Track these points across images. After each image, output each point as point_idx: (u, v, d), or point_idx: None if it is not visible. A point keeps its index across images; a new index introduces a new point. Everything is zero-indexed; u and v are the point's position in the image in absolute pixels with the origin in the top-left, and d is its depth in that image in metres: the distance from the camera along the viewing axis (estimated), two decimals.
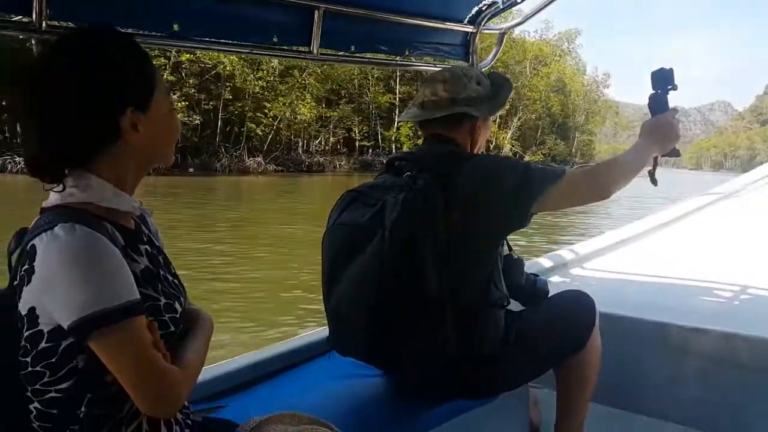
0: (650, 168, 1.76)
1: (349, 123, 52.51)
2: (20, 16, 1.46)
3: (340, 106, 51.58)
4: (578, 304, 1.84)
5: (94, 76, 0.99)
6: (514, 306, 1.79)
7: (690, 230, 4.01)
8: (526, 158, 55.94)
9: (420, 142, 1.82)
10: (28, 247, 0.94)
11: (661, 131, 1.70)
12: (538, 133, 70.74)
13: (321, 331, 2.00)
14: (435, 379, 1.64)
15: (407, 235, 1.51)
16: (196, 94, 38.22)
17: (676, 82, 1.69)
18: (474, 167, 1.62)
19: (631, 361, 2.16)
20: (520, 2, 2.33)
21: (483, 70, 2.41)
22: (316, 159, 48.45)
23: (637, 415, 2.15)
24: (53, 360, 0.95)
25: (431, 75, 1.81)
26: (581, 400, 1.87)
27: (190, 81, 37.69)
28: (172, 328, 1.05)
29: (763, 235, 3.71)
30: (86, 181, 1.00)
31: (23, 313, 0.95)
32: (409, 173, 1.64)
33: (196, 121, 37.62)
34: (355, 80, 51.00)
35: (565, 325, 1.79)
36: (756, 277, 2.76)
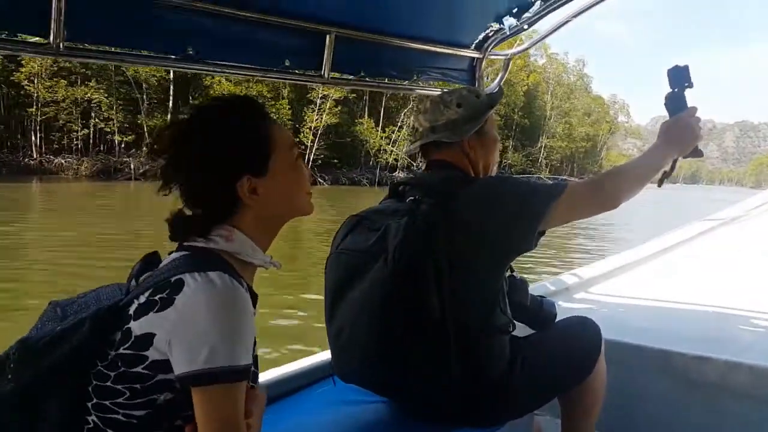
0: (667, 169, 1.66)
1: (105, 109, 37.82)
2: (38, 38, 1.48)
3: (90, 84, 37.32)
4: (584, 331, 1.82)
5: (208, 150, 1.05)
6: (520, 332, 1.78)
7: (692, 256, 4.02)
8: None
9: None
10: (172, 280, 0.96)
11: (678, 132, 1.63)
12: None
13: (323, 356, 1.99)
14: (438, 405, 1.62)
15: (409, 260, 1.50)
16: None
17: (692, 80, 1.62)
18: (473, 191, 1.61)
19: (634, 388, 2.15)
20: (527, 29, 2.37)
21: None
22: (56, 160, 35.89)
23: None
24: (138, 386, 0.96)
25: (417, 109, 1.82)
26: (585, 427, 1.85)
27: None
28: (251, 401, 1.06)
29: (764, 262, 3.71)
30: (229, 233, 1.06)
31: (136, 333, 0.96)
32: (412, 198, 1.64)
33: None
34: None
35: (570, 353, 1.77)
36: (756, 303, 2.75)
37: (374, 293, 1.52)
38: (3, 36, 1.54)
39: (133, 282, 1.06)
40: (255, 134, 1.08)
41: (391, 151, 52.95)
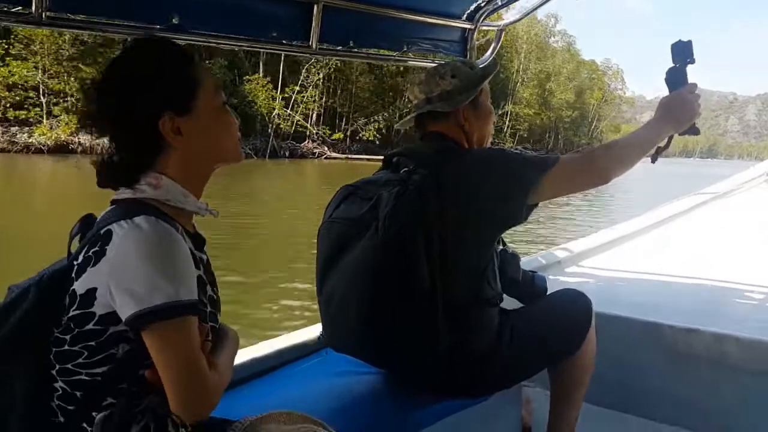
0: (662, 145, 1.65)
1: None
2: (19, 7, 1.45)
3: None
4: (575, 304, 1.83)
5: (127, 87, 1.04)
6: (510, 304, 1.79)
7: (683, 229, 4.04)
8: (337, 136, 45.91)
9: None
10: (102, 232, 0.98)
11: (676, 108, 1.62)
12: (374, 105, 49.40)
13: (316, 328, 2.00)
14: (428, 376, 1.64)
15: (400, 228, 1.51)
16: None
17: (694, 56, 1.59)
18: (464, 162, 1.62)
19: (623, 361, 2.16)
20: None
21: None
22: None
23: (628, 415, 2.16)
24: (94, 343, 0.98)
25: (411, 80, 1.83)
26: (574, 399, 1.86)
27: None
28: (209, 337, 1.07)
29: (755, 236, 3.74)
30: (157, 180, 1.05)
31: (79, 292, 0.97)
32: (406, 169, 1.64)
33: None
34: None
35: (561, 325, 1.78)
36: (747, 277, 2.78)
37: (365, 261, 1.54)
38: None
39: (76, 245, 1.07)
40: (177, 71, 1.07)
41: (288, 115, 43.50)
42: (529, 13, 2.56)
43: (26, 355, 1.00)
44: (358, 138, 49.11)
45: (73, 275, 0.99)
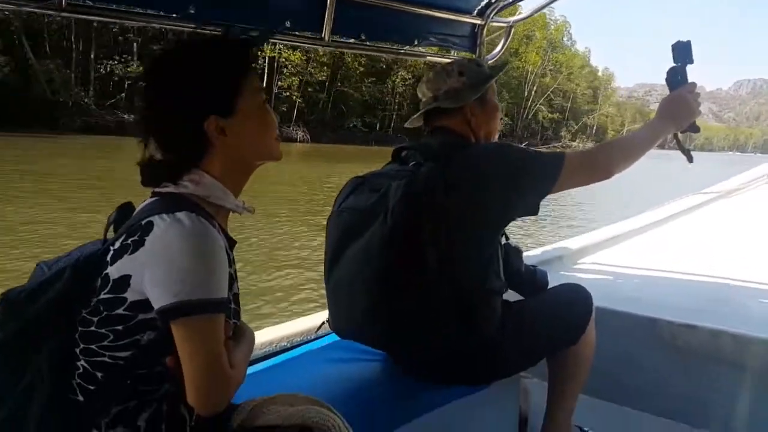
0: (672, 143, 1.72)
1: None
2: None
3: None
4: (576, 297, 1.87)
5: (174, 89, 1.07)
6: (512, 296, 1.82)
7: (685, 228, 4.07)
8: None
9: None
10: (142, 223, 1.00)
11: (676, 107, 1.67)
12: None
13: (321, 315, 2.04)
14: (430, 362, 1.67)
15: (408, 217, 1.53)
16: None
17: (693, 57, 1.65)
18: (470, 155, 1.64)
19: (621, 354, 2.20)
20: None
21: (491, 62, 2.44)
22: None
23: (625, 408, 2.20)
24: (121, 327, 1.00)
25: (420, 79, 1.86)
26: (571, 391, 1.89)
27: None
28: (231, 335, 1.09)
29: (755, 235, 3.78)
30: (199, 177, 1.09)
31: (113, 277, 1.00)
32: (414, 162, 1.68)
33: None
34: None
35: (561, 317, 1.82)
36: (748, 275, 2.81)
37: (373, 248, 1.56)
38: None
39: (111, 232, 1.10)
40: (222, 74, 1.09)
41: None
42: (539, 10, 2.58)
43: (55, 333, 1.03)
44: None
45: (107, 259, 1.02)
